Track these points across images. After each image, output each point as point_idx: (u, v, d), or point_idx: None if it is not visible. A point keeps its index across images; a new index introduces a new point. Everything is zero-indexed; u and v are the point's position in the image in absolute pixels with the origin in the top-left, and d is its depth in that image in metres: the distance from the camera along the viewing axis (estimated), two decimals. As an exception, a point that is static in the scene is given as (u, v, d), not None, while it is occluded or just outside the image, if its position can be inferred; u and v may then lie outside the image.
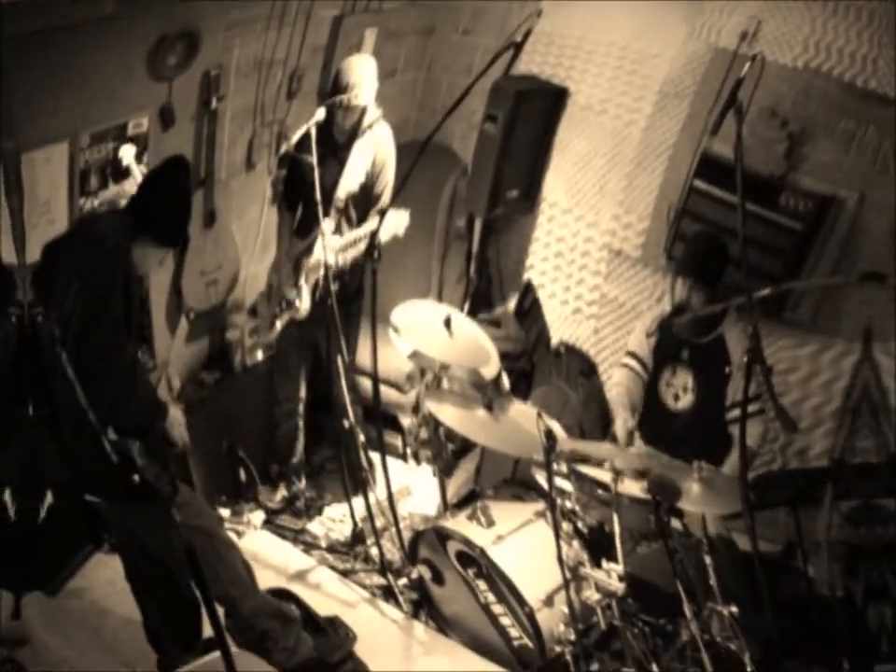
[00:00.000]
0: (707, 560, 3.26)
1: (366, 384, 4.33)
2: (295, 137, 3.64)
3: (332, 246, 3.85)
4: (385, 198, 3.98)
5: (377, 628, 3.71)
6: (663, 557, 3.29)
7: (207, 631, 3.17)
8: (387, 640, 3.68)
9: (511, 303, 5.14)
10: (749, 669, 3.14)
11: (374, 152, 3.96)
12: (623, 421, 3.81)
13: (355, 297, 4.19)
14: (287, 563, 4.01)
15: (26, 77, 3.00)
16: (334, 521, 4.37)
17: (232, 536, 3.58)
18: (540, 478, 3.54)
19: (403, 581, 3.87)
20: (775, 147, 4.09)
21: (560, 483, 3.47)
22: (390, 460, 4.11)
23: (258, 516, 4.25)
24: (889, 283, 3.68)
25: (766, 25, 4.12)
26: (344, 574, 4.01)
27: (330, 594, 3.86)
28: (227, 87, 3.95)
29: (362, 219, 4.00)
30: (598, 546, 3.51)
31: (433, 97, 5.29)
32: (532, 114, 4.73)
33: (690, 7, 4.39)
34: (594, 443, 3.78)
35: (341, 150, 3.95)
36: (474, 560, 3.46)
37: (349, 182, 3.95)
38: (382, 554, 3.94)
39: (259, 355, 4.49)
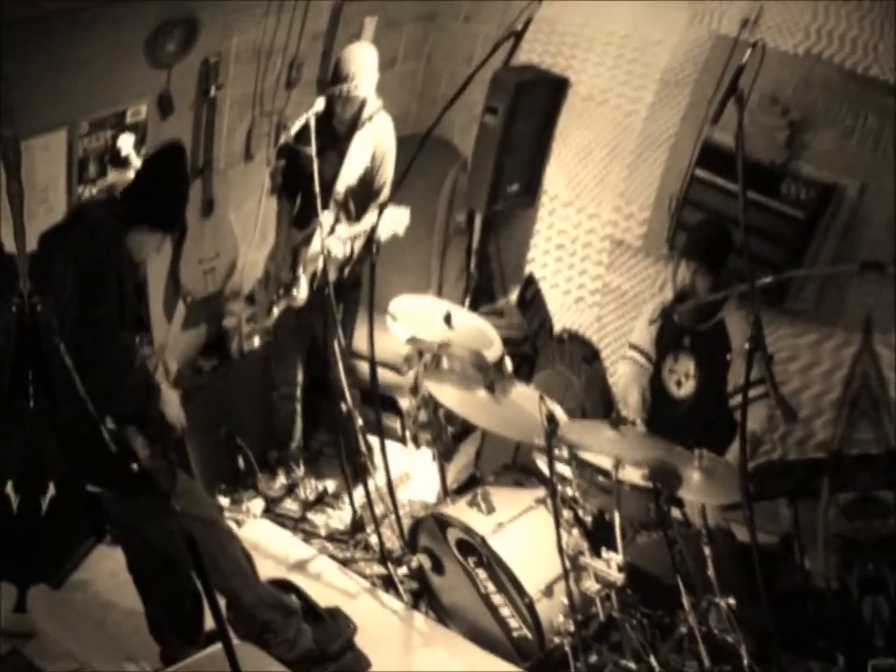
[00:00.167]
0: (707, 551, 3.26)
1: (363, 367, 4.30)
2: (294, 128, 3.60)
3: (339, 236, 3.84)
4: (385, 193, 3.96)
5: (377, 619, 3.71)
6: (662, 547, 3.29)
7: (209, 623, 3.17)
8: (387, 631, 3.68)
9: (513, 295, 5.13)
10: (745, 662, 3.14)
11: (374, 145, 3.93)
12: (639, 391, 3.86)
13: (352, 287, 4.17)
14: (288, 552, 4.00)
15: (25, 64, 2.98)
16: (333, 508, 4.37)
17: (232, 525, 3.57)
18: (541, 463, 3.52)
19: (403, 570, 3.86)
20: (776, 135, 4.07)
21: (561, 468, 3.46)
22: (389, 443, 4.07)
23: (257, 504, 4.24)
24: (889, 272, 3.68)
25: (768, 12, 4.10)
26: (344, 563, 4.01)
27: (331, 584, 3.86)
28: (226, 75, 3.92)
29: (361, 213, 3.98)
30: (598, 535, 3.51)
31: (433, 88, 5.25)
32: (533, 105, 4.69)
33: (691, -7, 4.36)
34: (594, 424, 3.75)
35: (340, 142, 3.92)
36: (475, 549, 3.46)
37: (348, 175, 3.92)
38: (381, 543, 3.93)
39: (256, 341, 4.48)
